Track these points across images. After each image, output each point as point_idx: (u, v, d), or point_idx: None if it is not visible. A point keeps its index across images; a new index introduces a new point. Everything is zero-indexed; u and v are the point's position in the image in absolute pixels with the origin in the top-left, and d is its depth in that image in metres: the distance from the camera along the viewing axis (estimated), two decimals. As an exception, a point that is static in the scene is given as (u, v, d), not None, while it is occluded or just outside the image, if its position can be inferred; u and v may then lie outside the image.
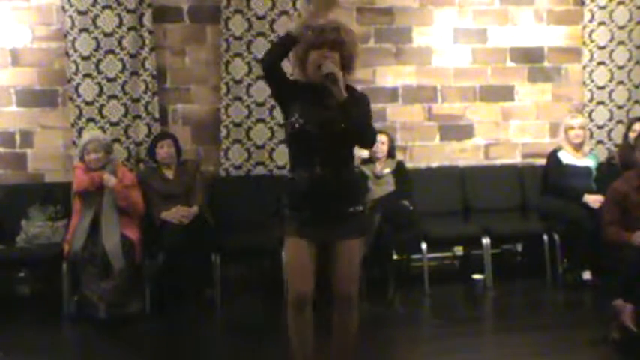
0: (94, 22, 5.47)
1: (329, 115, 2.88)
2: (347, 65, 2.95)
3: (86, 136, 5.22)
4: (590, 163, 5.73)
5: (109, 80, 5.53)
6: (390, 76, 6.10)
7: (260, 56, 5.65)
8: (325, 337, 3.12)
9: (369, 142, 3.03)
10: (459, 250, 6.15)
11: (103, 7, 5.47)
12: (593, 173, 5.70)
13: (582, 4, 6.35)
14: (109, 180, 4.92)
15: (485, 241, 5.47)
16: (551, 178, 5.70)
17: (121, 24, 5.51)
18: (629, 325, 3.91)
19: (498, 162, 6.35)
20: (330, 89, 2.82)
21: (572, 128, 5.71)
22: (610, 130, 6.37)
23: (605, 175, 5.52)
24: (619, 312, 3.94)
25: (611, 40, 6.32)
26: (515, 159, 6.38)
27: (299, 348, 3.06)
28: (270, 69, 2.96)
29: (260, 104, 5.76)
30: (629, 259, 4.00)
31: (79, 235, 4.82)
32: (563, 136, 5.78)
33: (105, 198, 4.92)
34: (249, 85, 5.74)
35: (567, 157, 5.70)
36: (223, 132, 5.74)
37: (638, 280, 3.96)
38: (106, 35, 5.49)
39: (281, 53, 2.96)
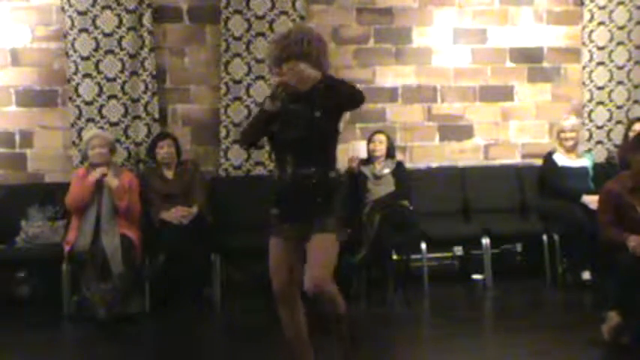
0: (93, 22, 5.47)
1: (296, 120, 3.07)
2: (318, 67, 3.09)
3: (90, 132, 5.22)
4: (585, 163, 5.75)
5: (109, 80, 5.53)
6: (389, 76, 6.10)
7: (260, 56, 5.69)
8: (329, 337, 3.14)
9: (358, 104, 3.15)
10: (458, 250, 6.14)
11: (103, 8, 5.47)
12: (590, 173, 5.71)
13: (582, 4, 6.35)
14: (112, 181, 4.91)
15: (485, 241, 5.47)
16: (548, 181, 5.72)
17: (120, 24, 5.51)
18: (604, 334, 3.94)
19: (498, 162, 6.35)
20: (286, 95, 3.05)
21: (563, 131, 5.74)
22: (610, 131, 6.37)
23: (605, 175, 5.51)
24: (605, 320, 3.97)
25: (610, 41, 6.33)
26: (515, 159, 6.38)
27: (292, 339, 3.27)
28: (252, 144, 3.28)
29: (260, 104, 5.74)
30: (623, 262, 4.01)
31: (84, 233, 4.82)
32: (556, 138, 5.80)
33: (104, 199, 4.92)
34: (249, 85, 5.74)
35: (562, 158, 5.72)
36: (223, 132, 5.74)
37: (631, 287, 3.97)
38: (106, 35, 5.49)
39: (259, 133, 3.19)
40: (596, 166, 5.80)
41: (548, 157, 5.78)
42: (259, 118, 3.16)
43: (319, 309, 3.08)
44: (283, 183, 3.13)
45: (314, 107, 3.04)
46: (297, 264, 3.16)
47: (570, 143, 5.71)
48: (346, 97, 3.08)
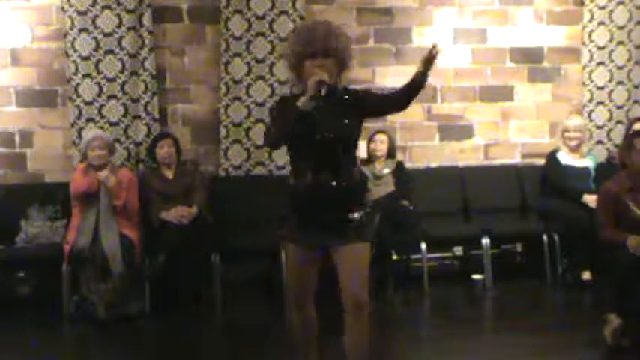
0: (93, 22, 5.47)
1: (326, 122, 2.91)
2: (342, 66, 2.99)
3: (90, 133, 5.22)
4: (588, 163, 5.75)
5: (109, 80, 5.53)
6: (389, 76, 6.10)
7: (260, 56, 5.69)
8: (333, 337, 3.10)
9: (404, 108, 3.12)
10: (458, 250, 6.14)
11: (103, 7, 5.46)
12: (592, 174, 5.71)
13: (582, 4, 6.34)
14: (108, 179, 4.92)
15: (485, 241, 5.48)
16: (550, 179, 5.72)
17: (120, 24, 5.50)
18: (607, 337, 3.94)
19: (498, 162, 6.34)
20: (320, 94, 2.84)
21: (567, 130, 5.74)
22: (610, 131, 6.37)
23: (605, 175, 5.51)
24: (606, 322, 3.97)
25: (610, 41, 6.32)
26: (515, 159, 6.38)
27: (301, 345, 3.18)
28: (279, 146, 3.09)
29: (260, 104, 5.76)
30: (622, 262, 4.01)
31: (84, 232, 4.82)
32: (559, 138, 5.81)
33: (102, 198, 4.93)
34: (249, 85, 5.73)
35: (566, 157, 5.72)
36: (223, 132, 5.74)
37: (630, 286, 3.97)
38: (106, 35, 5.49)
39: (289, 134, 2.92)
40: (598, 166, 5.80)
41: (551, 156, 5.78)
42: (290, 118, 2.87)
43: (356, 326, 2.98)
44: (305, 188, 2.95)
45: (347, 111, 2.94)
46: (313, 270, 3.07)
47: (574, 143, 5.71)
48: (391, 104, 3.07)
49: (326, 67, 2.88)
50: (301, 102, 2.84)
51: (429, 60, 2.94)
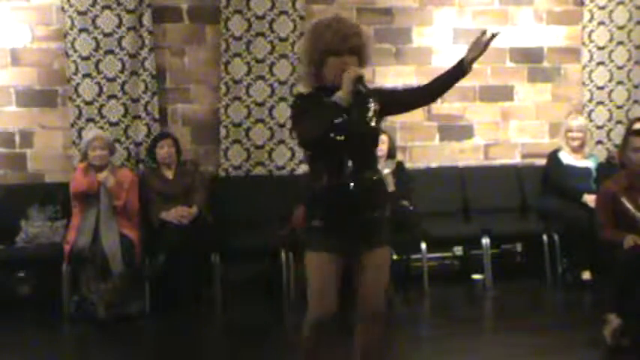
0: (93, 22, 5.46)
1: (357, 119, 2.80)
2: (363, 64, 2.91)
3: (90, 133, 5.23)
4: (590, 164, 5.75)
5: (109, 80, 5.53)
6: (389, 76, 6.09)
7: (260, 56, 5.68)
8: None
9: (433, 100, 3.12)
10: (458, 250, 6.14)
11: (103, 7, 5.46)
12: (593, 174, 5.70)
13: (582, 4, 6.34)
14: (108, 179, 4.92)
15: (485, 241, 5.48)
16: (551, 178, 5.72)
17: (120, 24, 5.50)
18: (607, 337, 3.94)
19: (498, 162, 6.34)
20: (359, 91, 2.74)
21: (570, 130, 5.74)
22: (610, 131, 6.37)
23: (606, 175, 5.51)
24: (605, 322, 3.97)
25: (610, 41, 6.32)
26: (515, 159, 6.38)
27: None
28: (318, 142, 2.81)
29: (260, 104, 5.76)
30: (622, 262, 4.01)
31: (84, 232, 4.82)
32: (562, 137, 5.80)
33: (102, 198, 4.93)
34: (249, 85, 5.73)
35: (567, 157, 5.72)
36: (223, 132, 5.74)
37: (630, 286, 3.97)
38: (106, 35, 5.49)
39: (327, 130, 2.73)
40: (599, 166, 5.80)
41: (552, 155, 5.78)
42: (327, 113, 2.71)
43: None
44: (334, 190, 2.78)
45: (372, 108, 2.84)
46: (337, 281, 2.83)
47: (576, 143, 5.71)
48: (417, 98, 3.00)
49: (351, 64, 2.79)
50: (339, 97, 2.70)
51: (486, 45, 2.91)
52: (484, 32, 2.89)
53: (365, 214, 2.81)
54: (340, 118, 2.69)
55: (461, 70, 2.95)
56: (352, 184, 2.78)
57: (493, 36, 2.92)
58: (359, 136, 2.79)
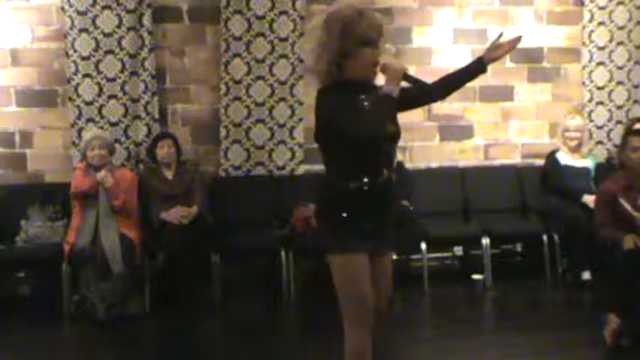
0: (93, 22, 5.46)
1: (384, 117, 2.73)
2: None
3: (90, 132, 5.23)
4: (588, 163, 5.75)
5: (109, 80, 5.53)
6: (389, 76, 6.09)
7: (260, 56, 5.68)
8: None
9: (443, 98, 3.00)
10: (458, 250, 6.15)
11: (103, 8, 5.46)
12: (592, 174, 5.71)
13: (582, 4, 6.34)
14: (106, 179, 4.92)
15: (485, 241, 5.48)
16: (550, 179, 5.72)
17: (120, 24, 5.50)
18: (606, 338, 3.94)
19: (498, 162, 6.34)
20: (396, 87, 2.67)
21: (568, 130, 5.74)
22: (609, 131, 6.37)
23: (605, 175, 5.51)
24: (605, 323, 3.97)
25: (610, 41, 6.32)
26: (515, 159, 6.38)
27: None
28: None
29: (260, 104, 5.76)
30: (620, 261, 4.01)
31: (84, 232, 4.83)
32: (560, 137, 5.81)
33: (101, 198, 4.93)
34: (249, 85, 5.73)
35: (565, 157, 5.72)
36: (223, 132, 5.74)
37: (629, 285, 3.97)
38: (106, 35, 5.49)
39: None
40: (598, 166, 5.80)
41: (550, 156, 5.78)
42: (382, 107, 2.69)
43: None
44: (371, 190, 2.70)
45: (393, 105, 2.73)
46: None
47: (574, 143, 5.71)
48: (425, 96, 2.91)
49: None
50: (391, 90, 2.64)
51: (511, 47, 2.81)
52: (501, 34, 2.83)
53: (388, 215, 2.80)
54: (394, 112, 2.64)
55: (481, 67, 2.83)
56: (385, 183, 2.73)
57: (518, 39, 2.83)
58: (388, 134, 2.74)
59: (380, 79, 2.75)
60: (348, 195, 2.71)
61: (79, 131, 5.47)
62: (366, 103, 2.70)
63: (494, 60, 2.84)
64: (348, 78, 2.69)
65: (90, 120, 5.50)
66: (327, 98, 2.68)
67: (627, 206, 4.21)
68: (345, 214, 2.70)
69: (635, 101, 6.40)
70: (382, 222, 2.78)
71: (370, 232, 2.72)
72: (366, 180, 2.69)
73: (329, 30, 2.67)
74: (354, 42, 2.63)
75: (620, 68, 6.34)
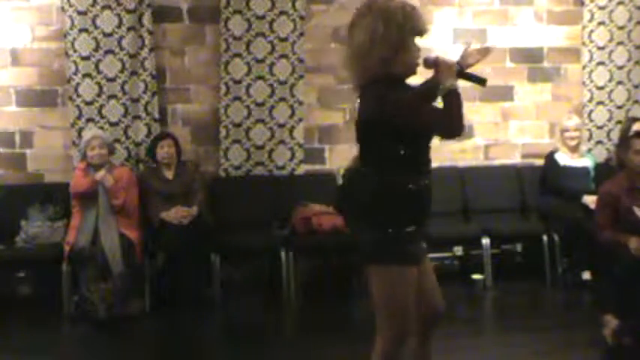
0: (93, 22, 5.46)
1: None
2: None
3: (89, 132, 5.23)
4: (587, 163, 5.76)
5: (109, 80, 5.53)
6: (389, 76, 6.09)
7: (260, 56, 5.68)
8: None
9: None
10: (458, 250, 6.14)
11: (103, 7, 5.46)
12: (591, 173, 5.71)
13: (582, 4, 6.34)
14: (106, 179, 4.92)
15: (485, 241, 5.48)
16: (549, 180, 5.72)
17: (120, 24, 5.50)
18: (607, 338, 3.94)
19: (498, 162, 6.34)
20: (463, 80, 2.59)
21: (567, 130, 5.75)
22: (609, 131, 6.36)
23: (605, 175, 5.52)
24: (605, 323, 3.98)
25: (610, 41, 6.32)
26: (515, 159, 6.37)
27: None
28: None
29: (260, 104, 5.76)
30: (622, 262, 4.01)
31: (84, 232, 4.83)
32: (558, 138, 5.81)
33: (100, 198, 4.93)
34: (249, 85, 5.73)
35: (564, 158, 5.72)
36: (223, 132, 5.74)
37: (630, 286, 3.96)
38: (106, 35, 5.49)
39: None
40: (597, 166, 5.80)
41: (549, 157, 5.79)
42: (455, 102, 2.66)
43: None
44: (426, 191, 2.67)
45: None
46: None
47: (573, 143, 5.72)
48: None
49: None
50: (453, 85, 2.58)
51: (484, 54, 2.81)
52: (469, 44, 2.87)
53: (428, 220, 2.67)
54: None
55: (440, 90, 2.73)
56: (429, 184, 2.65)
57: (488, 49, 2.91)
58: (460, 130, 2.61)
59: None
60: (408, 198, 2.58)
61: (79, 131, 5.47)
62: (456, 94, 2.60)
63: (469, 66, 2.85)
64: (396, 72, 2.53)
65: (90, 120, 5.50)
66: (387, 93, 2.49)
67: (639, 213, 4.18)
68: (406, 221, 2.56)
69: (635, 101, 6.40)
70: (425, 227, 2.65)
71: (422, 237, 2.63)
72: (426, 182, 2.64)
73: (387, 20, 2.44)
74: (408, 33, 2.47)
75: (620, 68, 6.34)
